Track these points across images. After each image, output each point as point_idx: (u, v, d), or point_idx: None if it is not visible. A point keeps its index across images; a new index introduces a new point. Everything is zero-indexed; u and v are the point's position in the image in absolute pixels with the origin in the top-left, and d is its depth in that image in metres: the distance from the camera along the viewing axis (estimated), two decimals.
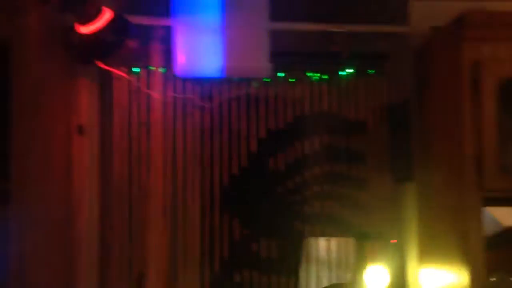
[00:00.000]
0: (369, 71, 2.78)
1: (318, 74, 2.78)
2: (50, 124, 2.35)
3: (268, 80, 2.74)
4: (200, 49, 2.57)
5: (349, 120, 2.79)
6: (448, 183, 2.49)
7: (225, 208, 2.72)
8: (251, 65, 2.63)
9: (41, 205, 2.20)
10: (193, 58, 2.57)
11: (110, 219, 2.64)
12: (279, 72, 2.74)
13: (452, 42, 2.40)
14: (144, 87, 2.67)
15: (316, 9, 2.73)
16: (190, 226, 2.69)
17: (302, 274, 2.78)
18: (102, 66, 2.56)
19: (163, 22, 2.60)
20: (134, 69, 2.65)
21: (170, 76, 2.66)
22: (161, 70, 2.66)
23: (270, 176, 2.78)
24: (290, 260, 2.78)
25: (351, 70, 2.77)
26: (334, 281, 2.76)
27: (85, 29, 2.23)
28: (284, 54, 2.72)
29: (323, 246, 2.77)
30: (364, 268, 2.70)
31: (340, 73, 2.78)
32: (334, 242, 2.77)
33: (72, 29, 2.24)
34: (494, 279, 2.36)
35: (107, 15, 2.25)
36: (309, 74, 2.77)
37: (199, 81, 2.69)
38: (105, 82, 2.64)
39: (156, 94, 2.66)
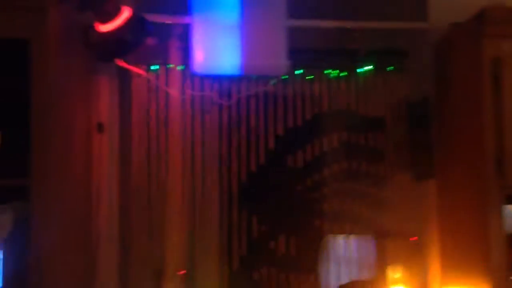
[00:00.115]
0: (388, 68, 2.76)
1: (337, 71, 2.76)
2: (70, 122, 2.36)
3: (286, 77, 2.73)
4: (218, 46, 2.57)
5: (368, 117, 2.78)
6: (468, 180, 2.47)
7: (243, 205, 2.72)
8: (269, 62, 2.63)
9: (61, 202, 2.21)
10: (211, 55, 2.57)
11: (128, 217, 2.65)
12: (297, 69, 2.73)
13: (472, 39, 2.38)
14: (162, 85, 2.68)
15: (335, 6, 2.72)
16: (208, 223, 2.69)
17: (321, 271, 2.77)
18: (121, 64, 2.58)
19: (181, 20, 2.61)
20: (152, 67, 2.66)
21: (188, 74, 2.67)
22: (179, 67, 2.67)
23: (289, 173, 2.77)
24: (309, 258, 2.77)
25: (370, 67, 2.75)
26: (353, 278, 2.75)
27: (104, 28, 2.23)
28: (302, 51, 2.70)
29: (342, 244, 2.76)
30: (384, 266, 2.69)
31: (359, 70, 2.76)
32: (353, 239, 2.76)
33: (91, 27, 2.26)
34: None
35: (126, 13, 2.26)
36: (327, 71, 2.76)
37: (217, 78, 2.69)
38: (124, 80, 2.65)
39: (175, 92, 2.67)
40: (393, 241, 2.72)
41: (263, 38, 2.60)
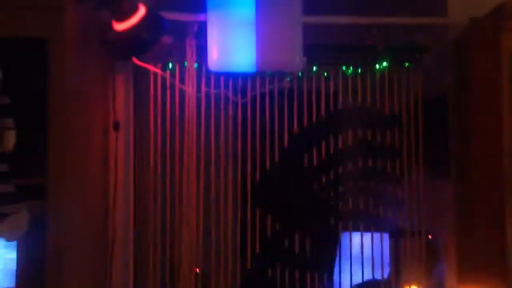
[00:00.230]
0: (405, 64, 2.73)
1: (353, 68, 2.74)
2: (87, 121, 2.36)
3: (302, 74, 2.71)
4: (233, 44, 2.54)
5: (384, 114, 2.75)
6: (486, 178, 2.45)
7: (257, 203, 2.71)
8: (285, 59, 2.60)
9: (77, 201, 2.21)
10: (227, 53, 2.55)
11: (144, 215, 2.65)
12: (313, 65, 2.71)
13: (491, 33, 2.36)
14: (178, 83, 2.67)
15: (352, 1, 2.70)
16: (223, 222, 2.68)
17: (336, 270, 2.76)
18: (138, 62, 2.57)
19: (197, 17, 2.59)
20: (168, 65, 2.66)
21: (204, 72, 2.65)
22: (195, 65, 2.65)
23: (304, 171, 2.76)
24: (324, 256, 2.76)
25: (387, 63, 2.73)
26: (368, 278, 2.73)
27: (121, 26, 2.23)
28: (318, 47, 2.68)
29: (357, 242, 2.75)
30: (400, 265, 2.67)
31: (376, 66, 2.73)
32: (368, 238, 2.74)
33: (108, 26, 2.25)
34: None
35: (142, 12, 2.25)
36: (343, 67, 2.73)
37: (232, 76, 2.68)
38: (140, 78, 2.65)
39: (190, 90, 2.65)
40: (409, 239, 2.71)
41: (278, 35, 2.57)
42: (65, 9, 2.09)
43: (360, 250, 2.74)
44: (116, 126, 2.55)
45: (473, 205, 2.57)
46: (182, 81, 2.66)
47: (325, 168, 2.76)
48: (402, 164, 2.73)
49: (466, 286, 2.59)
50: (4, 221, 2.01)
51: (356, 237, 2.75)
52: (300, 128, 2.74)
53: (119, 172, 2.57)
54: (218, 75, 2.66)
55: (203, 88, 2.67)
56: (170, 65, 2.66)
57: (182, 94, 2.66)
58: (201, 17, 2.57)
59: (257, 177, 2.71)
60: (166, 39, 2.45)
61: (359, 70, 2.73)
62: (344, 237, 2.77)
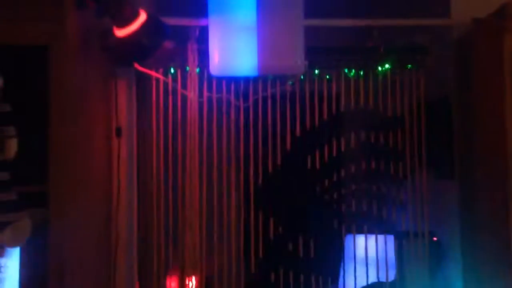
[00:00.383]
0: (407, 65, 2.72)
1: (355, 70, 2.73)
2: (89, 127, 2.36)
3: (304, 77, 2.70)
4: (235, 48, 2.54)
5: (387, 116, 2.74)
6: (490, 179, 2.44)
7: (260, 206, 2.70)
8: (286, 63, 2.60)
9: (79, 207, 2.21)
10: (228, 57, 2.55)
11: (147, 219, 2.64)
12: (315, 69, 2.70)
13: (493, 34, 2.36)
14: (180, 88, 2.66)
15: (353, 3, 2.69)
16: (225, 225, 2.68)
17: (340, 272, 2.75)
18: (139, 68, 2.57)
19: (198, 22, 2.59)
20: (170, 70, 2.65)
21: (205, 76, 2.65)
22: (196, 70, 2.65)
23: (307, 174, 2.75)
24: (328, 259, 2.76)
25: (389, 65, 2.72)
26: (373, 280, 2.73)
27: (122, 32, 2.22)
28: (320, 50, 2.68)
29: (362, 244, 2.74)
30: (404, 266, 2.67)
31: (378, 68, 2.72)
32: (373, 240, 2.74)
33: (109, 32, 2.24)
34: None
35: (143, 17, 2.24)
36: (345, 70, 2.72)
37: (234, 80, 2.67)
38: (142, 83, 2.65)
39: (192, 94, 2.65)
40: (413, 241, 2.70)
41: (280, 39, 2.57)
42: (66, 16, 2.09)
43: (364, 253, 2.73)
44: (118, 132, 2.55)
45: (477, 205, 2.56)
46: (184, 86, 2.66)
47: (328, 171, 2.76)
48: (405, 166, 2.72)
49: (471, 286, 2.58)
50: (6, 229, 2.00)
51: (360, 239, 2.74)
52: (302, 131, 2.73)
53: (122, 177, 2.57)
54: (220, 79, 2.66)
55: (205, 93, 2.67)
56: (172, 70, 2.66)
57: (184, 99, 2.66)
58: (202, 22, 2.57)
59: (260, 180, 2.71)
60: (168, 44, 2.45)
61: (361, 73, 2.72)
62: (348, 239, 2.77)
